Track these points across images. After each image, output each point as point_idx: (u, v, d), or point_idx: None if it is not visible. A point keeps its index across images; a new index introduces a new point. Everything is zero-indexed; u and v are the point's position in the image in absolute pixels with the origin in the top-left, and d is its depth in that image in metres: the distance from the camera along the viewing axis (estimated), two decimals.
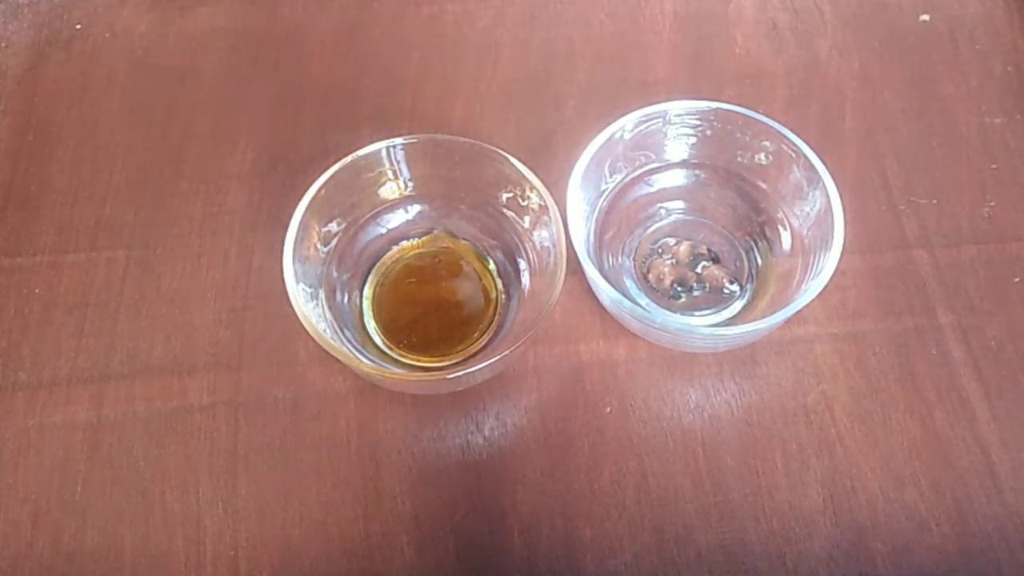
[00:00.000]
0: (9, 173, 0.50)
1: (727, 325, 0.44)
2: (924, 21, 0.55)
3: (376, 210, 0.45)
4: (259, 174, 0.49)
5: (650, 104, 0.43)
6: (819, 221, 0.41)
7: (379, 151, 0.42)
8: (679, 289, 0.45)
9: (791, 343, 0.44)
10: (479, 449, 0.42)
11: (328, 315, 0.42)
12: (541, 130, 0.49)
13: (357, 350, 0.41)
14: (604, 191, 0.45)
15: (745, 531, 0.40)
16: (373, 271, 0.45)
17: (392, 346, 0.44)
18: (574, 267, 0.40)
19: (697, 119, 0.44)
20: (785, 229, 0.44)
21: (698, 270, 0.45)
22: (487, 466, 0.42)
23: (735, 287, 0.45)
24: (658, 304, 0.45)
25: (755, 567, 0.40)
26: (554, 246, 0.40)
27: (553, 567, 0.40)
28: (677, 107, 0.43)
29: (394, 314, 0.45)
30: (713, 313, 0.44)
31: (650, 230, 0.47)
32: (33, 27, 0.55)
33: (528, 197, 0.42)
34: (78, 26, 0.55)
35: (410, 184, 0.45)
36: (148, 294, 0.46)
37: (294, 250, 0.39)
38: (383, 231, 0.46)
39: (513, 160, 0.42)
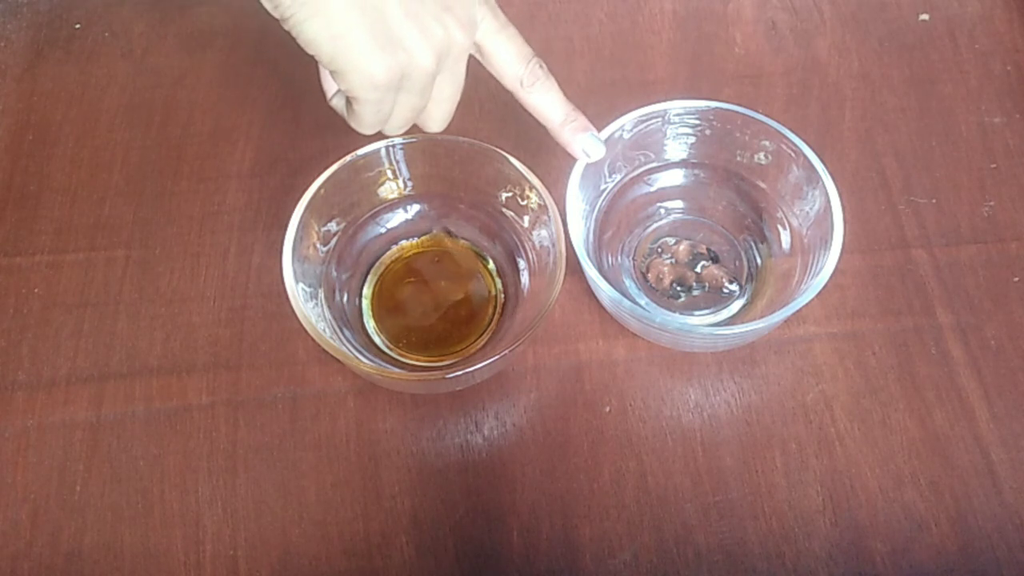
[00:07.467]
0: (8, 172, 0.50)
1: (726, 325, 0.44)
2: (924, 21, 0.55)
3: (375, 210, 0.45)
4: (258, 174, 0.49)
5: (649, 103, 0.43)
6: (818, 220, 0.41)
7: (378, 150, 0.42)
8: (678, 289, 0.45)
9: (790, 342, 0.44)
10: (478, 449, 0.42)
11: (328, 315, 0.42)
12: (541, 129, 0.49)
13: (356, 350, 0.41)
14: (603, 191, 0.45)
15: (744, 530, 0.40)
16: (372, 271, 0.45)
17: (391, 346, 0.44)
18: (573, 267, 0.40)
19: (696, 118, 0.44)
20: (784, 228, 0.44)
21: (697, 269, 0.45)
22: (486, 466, 0.42)
23: (734, 287, 0.45)
24: (657, 304, 0.45)
25: (754, 566, 0.40)
26: (553, 246, 0.40)
27: (552, 567, 0.40)
28: (676, 106, 0.43)
29: (393, 314, 0.45)
30: (712, 313, 0.44)
31: (649, 230, 0.47)
32: (32, 27, 0.55)
33: (527, 196, 0.42)
34: (77, 26, 0.55)
35: (409, 184, 0.45)
36: (147, 294, 0.46)
37: (293, 250, 0.39)
38: (382, 231, 0.46)
39: (512, 160, 0.42)
